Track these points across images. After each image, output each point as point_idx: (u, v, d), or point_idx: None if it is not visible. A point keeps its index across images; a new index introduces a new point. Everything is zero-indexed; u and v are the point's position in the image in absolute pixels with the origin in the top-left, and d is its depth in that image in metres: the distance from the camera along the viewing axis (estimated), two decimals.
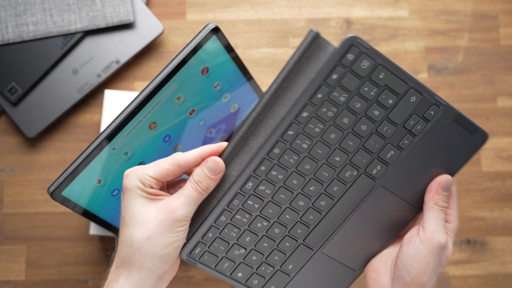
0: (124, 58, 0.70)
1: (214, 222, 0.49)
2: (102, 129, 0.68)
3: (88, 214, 0.62)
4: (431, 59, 0.73)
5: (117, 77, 0.72)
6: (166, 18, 0.74)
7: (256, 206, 0.49)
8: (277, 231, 0.50)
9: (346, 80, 0.45)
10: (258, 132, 0.48)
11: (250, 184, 0.48)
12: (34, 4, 0.69)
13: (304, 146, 0.47)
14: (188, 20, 0.74)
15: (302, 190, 0.49)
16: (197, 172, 0.46)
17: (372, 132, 0.47)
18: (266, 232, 0.50)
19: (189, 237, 0.49)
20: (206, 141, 0.66)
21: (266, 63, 0.73)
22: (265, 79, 0.73)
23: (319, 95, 0.45)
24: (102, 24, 0.70)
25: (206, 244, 0.50)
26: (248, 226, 0.50)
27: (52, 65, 0.69)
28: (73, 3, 0.69)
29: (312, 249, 0.51)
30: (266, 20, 0.74)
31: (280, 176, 0.48)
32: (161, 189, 0.48)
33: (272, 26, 0.74)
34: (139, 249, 0.44)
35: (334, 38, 0.73)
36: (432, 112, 0.47)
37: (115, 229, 0.65)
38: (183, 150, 0.63)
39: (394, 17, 0.74)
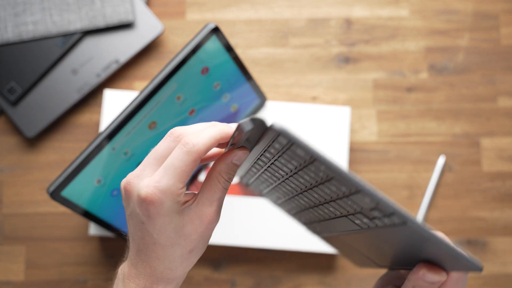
0: (123, 58, 0.70)
1: None
2: (101, 129, 0.68)
3: (87, 215, 0.62)
4: (431, 59, 0.73)
5: (116, 77, 0.72)
6: (166, 18, 0.73)
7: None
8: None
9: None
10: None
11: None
12: (34, 3, 0.69)
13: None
14: (188, 20, 0.74)
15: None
16: (225, 170, 0.41)
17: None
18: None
19: None
20: None
21: (266, 63, 0.73)
22: (265, 79, 0.73)
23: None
24: (101, 24, 0.69)
25: None
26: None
27: (52, 65, 0.69)
28: (73, 2, 0.69)
29: None
30: (266, 20, 0.74)
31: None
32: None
33: (272, 26, 0.74)
34: (182, 262, 0.41)
35: (334, 38, 0.73)
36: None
37: (114, 230, 0.65)
38: None
39: (394, 16, 0.74)
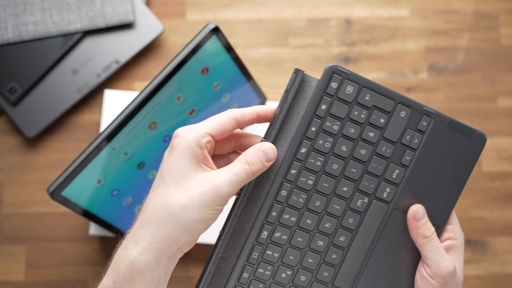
0: (124, 58, 0.70)
1: (237, 281, 0.47)
2: (101, 129, 0.68)
3: (88, 215, 0.62)
4: (431, 59, 0.73)
5: (116, 77, 0.72)
6: (166, 18, 0.73)
7: (276, 255, 0.48)
8: (303, 278, 0.48)
9: (335, 108, 0.46)
10: (261, 181, 0.47)
11: (264, 233, 0.47)
12: (34, 4, 0.69)
13: (310, 182, 0.47)
14: (188, 20, 0.74)
15: (318, 229, 0.48)
16: (250, 153, 0.43)
17: (372, 155, 0.47)
18: (293, 282, 0.48)
19: None
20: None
21: (266, 63, 0.73)
22: (265, 79, 0.73)
23: (313, 128, 0.46)
24: (101, 24, 0.69)
25: None
26: (273, 279, 0.48)
27: (52, 65, 0.69)
28: (73, 3, 0.69)
29: None
30: (266, 20, 0.74)
31: (293, 219, 0.47)
32: (211, 155, 0.45)
33: (272, 26, 0.74)
34: (171, 216, 0.41)
35: (334, 38, 0.73)
36: (424, 123, 0.47)
37: (114, 230, 0.65)
38: None
39: (394, 16, 0.74)
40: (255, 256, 0.47)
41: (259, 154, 0.43)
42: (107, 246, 0.70)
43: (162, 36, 0.73)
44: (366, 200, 0.47)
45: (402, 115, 0.47)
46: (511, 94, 0.73)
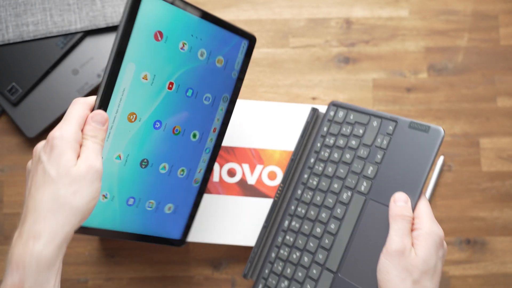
0: None
1: (268, 260, 0.63)
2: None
3: (114, 235, 0.57)
4: (431, 59, 0.73)
5: None
6: None
7: (291, 239, 0.62)
8: (306, 259, 0.60)
9: (332, 128, 0.63)
10: (291, 182, 0.65)
11: (286, 222, 0.63)
12: (34, 4, 0.69)
13: (314, 183, 0.62)
14: None
15: (318, 219, 0.60)
16: (89, 129, 0.49)
17: (354, 158, 0.60)
18: (300, 263, 0.60)
19: None
20: (207, 111, 0.59)
21: (266, 63, 0.73)
22: (265, 79, 0.73)
23: (318, 144, 0.64)
24: (102, 24, 0.70)
25: (265, 281, 0.62)
26: (288, 259, 0.61)
27: (52, 65, 0.69)
28: (73, 3, 0.69)
29: (333, 273, 0.57)
30: (266, 20, 0.74)
31: (303, 211, 0.62)
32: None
33: (272, 26, 0.74)
34: (65, 204, 0.45)
35: (334, 38, 0.73)
36: (390, 127, 0.58)
37: (152, 239, 0.60)
38: (189, 130, 0.59)
39: (394, 17, 0.74)
40: (280, 240, 0.63)
41: (94, 125, 0.49)
42: (107, 246, 0.70)
43: None
44: (349, 193, 0.58)
45: (374, 125, 0.59)
46: (510, 94, 0.73)
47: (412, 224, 0.52)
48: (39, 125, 0.69)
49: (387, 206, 0.55)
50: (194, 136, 0.59)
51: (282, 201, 0.65)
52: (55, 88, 0.70)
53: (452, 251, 0.71)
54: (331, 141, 0.63)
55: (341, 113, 0.63)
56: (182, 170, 0.60)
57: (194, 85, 0.57)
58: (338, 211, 0.59)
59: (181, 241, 0.63)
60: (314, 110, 0.66)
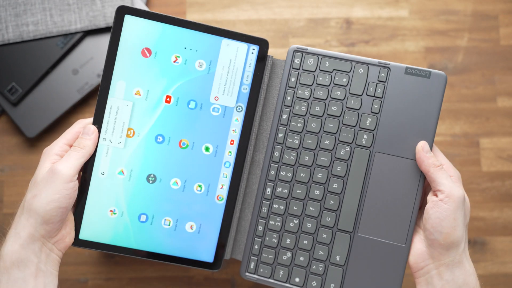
0: None
1: (255, 234, 0.57)
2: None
3: (133, 252, 0.56)
4: (431, 59, 0.73)
5: None
6: None
7: (282, 207, 0.56)
8: (309, 225, 0.56)
9: (303, 78, 0.57)
10: (258, 147, 0.58)
11: (268, 190, 0.57)
12: (34, 4, 0.69)
13: (296, 142, 0.56)
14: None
15: (312, 180, 0.56)
16: (76, 141, 0.54)
17: (344, 110, 0.56)
18: (301, 229, 0.56)
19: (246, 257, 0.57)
20: (218, 122, 0.57)
21: None
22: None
23: (288, 98, 0.57)
24: (102, 24, 0.70)
25: (257, 257, 0.56)
26: (284, 229, 0.56)
27: (52, 65, 0.69)
28: (73, 3, 0.69)
29: (349, 233, 0.55)
30: (266, 20, 0.74)
31: (289, 174, 0.56)
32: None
33: (272, 26, 0.74)
34: (27, 208, 0.50)
35: (334, 38, 0.73)
36: (383, 74, 0.55)
37: (180, 260, 0.57)
38: (199, 143, 0.57)
39: (394, 17, 0.74)
40: (265, 211, 0.57)
41: (80, 137, 0.54)
42: None
43: None
44: (348, 148, 0.55)
45: (360, 72, 0.56)
46: (510, 94, 0.73)
47: None
48: (39, 125, 0.69)
49: (400, 157, 0.54)
50: (207, 149, 0.57)
51: (254, 165, 0.58)
52: (55, 88, 0.70)
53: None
54: (306, 93, 0.57)
55: (310, 60, 0.57)
56: (199, 186, 0.57)
57: (196, 97, 0.56)
58: (338, 168, 0.56)
59: (214, 264, 0.57)
60: (272, 60, 0.57)
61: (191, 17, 0.74)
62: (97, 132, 0.54)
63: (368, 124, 0.55)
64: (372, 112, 0.55)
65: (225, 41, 0.56)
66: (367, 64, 0.56)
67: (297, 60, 0.57)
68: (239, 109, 0.57)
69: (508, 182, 0.72)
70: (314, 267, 0.56)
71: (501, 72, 0.73)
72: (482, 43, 0.74)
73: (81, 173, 0.55)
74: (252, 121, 0.57)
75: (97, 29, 0.70)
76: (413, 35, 0.74)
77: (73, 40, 0.69)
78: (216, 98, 0.56)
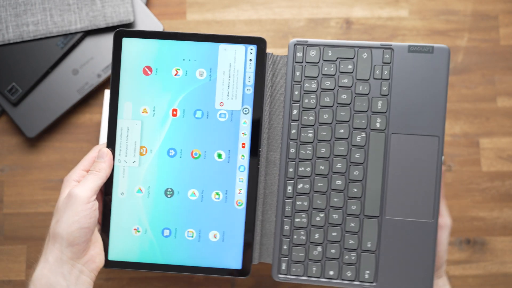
0: None
1: (282, 234, 0.56)
2: (102, 129, 0.68)
3: (161, 268, 0.57)
4: None
5: None
6: (166, 18, 0.74)
7: (305, 203, 0.56)
8: (335, 216, 0.56)
9: (308, 71, 0.56)
10: (272, 146, 0.57)
11: (289, 188, 0.56)
12: (34, 4, 0.69)
13: (310, 135, 0.56)
14: (188, 20, 0.74)
15: (332, 171, 0.56)
16: (93, 165, 0.56)
17: (354, 96, 0.56)
18: (328, 222, 0.56)
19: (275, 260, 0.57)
20: (226, 127, 0.57)
21: None
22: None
23: (296, 92, 0.56)
24: (102, 24, 0.70)
25: (287, 257, 0.56)
26: (311, 224, 0.56)
27: (52, 65, 0.69)
28: (73, 3, 0.69)
29: (376, 218, 0.55)
30: (266, 20, 0.74)
31: (308, 169, 0.56)
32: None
33: (272, 26, 0.74)
34: (51, 233, 0.52)
35: (334, 38, 0.73)
36: (387, 55, 0.55)
37: (209, 270, 0.58)
38: (210, 151, 0.57)
39: (394, 17, 0.74)
40: (289, 209, 0.56)
41: (95, 161, 0.55)
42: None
43: None
44: (363, 134, 0.55)
45: (364, 57, 0.56)
46: (510, 94, 0.73)
47: None
48: (39, 125, 0.69)
49: (415, 134, 0.55)
50: (220, 156, 0.57)
51: (270, 165, 0.57)
52: (55, 88, 0.70)
53: (452, 251, 0.71)
54: (313, 85, 0.56)
55: (313, 52, 0.57)
56: (217, 194, 0.57)
57: (202, 106, 0.56)
58: (357, 156, 0.56)
59: (243, 271, 0.57)
60: (264, 54, 0.56)
61: (191, 17, 0.74)
62: (111, 154, 0.56)
63: (379, 107, 0.55)
64: (381, 94, 0.55)
65: (222, 46, 0.56)
66: (370, 47, 0.56)
67: (299, 54, 0.57)
68: (245, 111, 0.57)
69: (508, 182, 0.72)
70: (346, 257, 0.55)
71: (501, 72, 0.73)
72: (482, 43, 0.74)
73: (103, 196, 0.57)
74: (261, 121, 0.57)
75: (97, 29, 0.70)
76: (413, 35, 0.74)
77: (73, 40, 0.69)
78: (221, 104, 0.56)
